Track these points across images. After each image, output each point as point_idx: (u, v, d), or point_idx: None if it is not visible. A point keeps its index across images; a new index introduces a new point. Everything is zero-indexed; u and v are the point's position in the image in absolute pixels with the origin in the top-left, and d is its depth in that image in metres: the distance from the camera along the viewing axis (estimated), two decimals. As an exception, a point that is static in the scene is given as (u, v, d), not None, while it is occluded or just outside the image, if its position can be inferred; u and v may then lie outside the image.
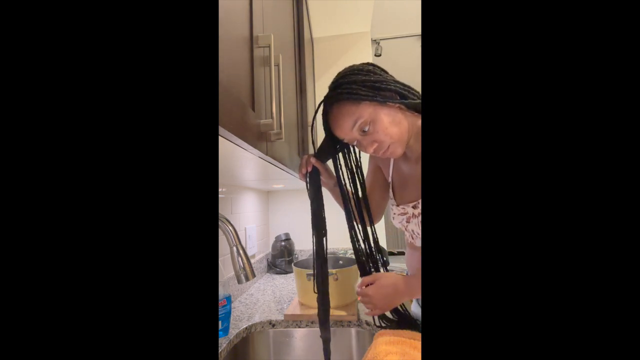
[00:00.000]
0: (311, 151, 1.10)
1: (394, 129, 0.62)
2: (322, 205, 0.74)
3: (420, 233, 0.68)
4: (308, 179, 0.77)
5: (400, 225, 0.73)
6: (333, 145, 0.71)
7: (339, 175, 0.74)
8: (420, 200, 0.67)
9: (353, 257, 1.16)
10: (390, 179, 0.79)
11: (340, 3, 1.51)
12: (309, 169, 0.76)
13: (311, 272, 0.99)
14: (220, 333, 0.82)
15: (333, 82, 0.65)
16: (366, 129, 0.62)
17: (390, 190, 0.77)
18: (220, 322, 0.82)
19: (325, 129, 0.69)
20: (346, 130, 0.63)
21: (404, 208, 0.70)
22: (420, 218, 0.66)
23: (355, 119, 0.61)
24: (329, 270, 1.00)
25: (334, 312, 0.96)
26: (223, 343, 0.80)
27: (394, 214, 0.74)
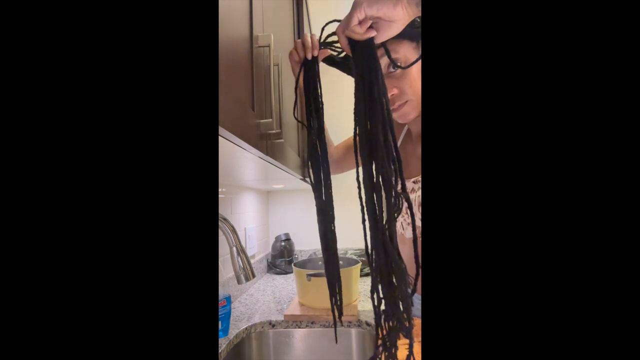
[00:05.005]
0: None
1: (420, 87, 0.56)
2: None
3: (414, 209, 0.66)
4: (303, 69, 0.56)
5: None
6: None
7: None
8: (420, 176, 0.65)
9: (353, 257, 1.16)
10: None
11: (340, 3, 1.51)
12: (315, 53, 0.54)
13: (311, 272, 0.99)
14: (220, 333, 0.82)
15: None
16: (393, 70, 0.55)
17: None
18: (220, 323, 0.82)
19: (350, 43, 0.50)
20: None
21: None
22: (418, 193, 0.64)
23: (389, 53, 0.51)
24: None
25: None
26: (223, 343, 0.80)
27: None
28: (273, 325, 0.95)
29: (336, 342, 0.63)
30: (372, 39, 0.48)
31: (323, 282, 0.89)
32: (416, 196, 0.65)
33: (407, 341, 0.50)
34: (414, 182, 0.67)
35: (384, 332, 0.47)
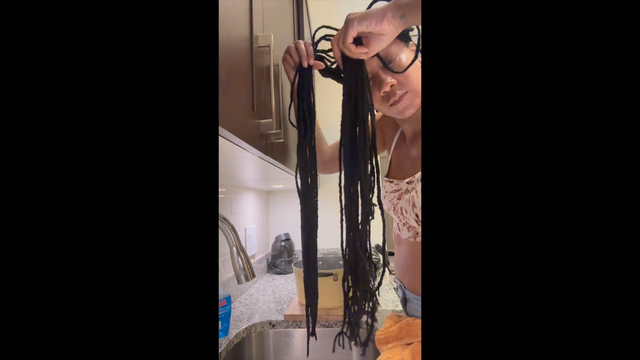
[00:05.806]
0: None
1: (418, 79, 0.59)
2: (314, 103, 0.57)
3: (408, 210, 0.66)
4: (298, 75, 0.57)
5: (390, 204, 0.70)
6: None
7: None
8: (414, 176, 0.65)
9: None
10: (390, 154, 0.77)
11: (340, 3, 1.51)
12: (311, 63, 0.56)
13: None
14: (220, 333, 0.82)
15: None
16: (387, 62, 0.58)
17: (388, 166, 0.77)
18: (220, 323, 0.82)
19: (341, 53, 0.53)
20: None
21: (397, 184, 0.69)
22: (412, 194, 0.65)
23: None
24: (329, 271, 1.00)
25: (333, 312, 0.96)
26: (223, 343, 0.80)
27: (386, 192, 0.72)
28: (273, 325, 0.95)
29: (307, 354, 0.65)
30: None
31: (323, 282, 0.89)
32: (410, 197, 0.65)
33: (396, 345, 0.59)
34: (407, 182, 0.67)
35: (351, 311, 0.56)
